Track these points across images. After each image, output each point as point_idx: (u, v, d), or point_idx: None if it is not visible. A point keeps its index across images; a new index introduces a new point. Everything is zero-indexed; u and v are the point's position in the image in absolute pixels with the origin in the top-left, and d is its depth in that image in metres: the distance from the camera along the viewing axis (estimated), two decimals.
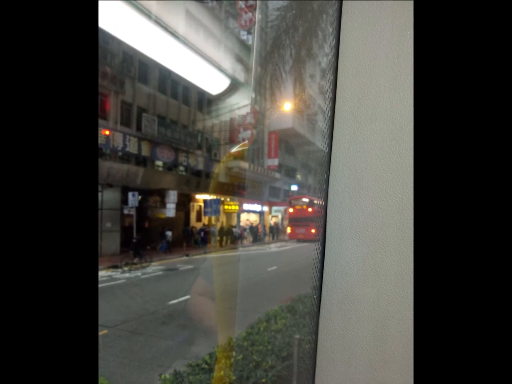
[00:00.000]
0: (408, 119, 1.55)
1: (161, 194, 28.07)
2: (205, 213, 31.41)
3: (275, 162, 36.19)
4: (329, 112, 1.75)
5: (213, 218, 32.43)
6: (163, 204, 28.24)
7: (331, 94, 1.75)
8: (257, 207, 40.07)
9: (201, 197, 32.41)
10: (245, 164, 30.23)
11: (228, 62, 24.64)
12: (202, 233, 30.16)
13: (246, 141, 26.66)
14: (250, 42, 26.03)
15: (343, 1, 1.69)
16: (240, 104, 27.49)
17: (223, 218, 35.13)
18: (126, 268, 20.26)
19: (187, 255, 25.39)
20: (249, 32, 25.07)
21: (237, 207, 36.46)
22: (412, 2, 1.47)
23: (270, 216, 42.89)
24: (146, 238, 23.94)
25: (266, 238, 38.19)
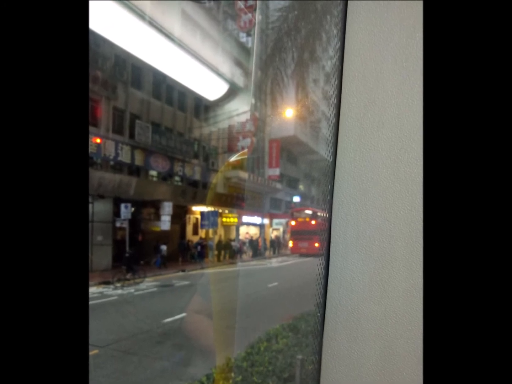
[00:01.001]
0: (417, 127, 1.55)
1: (156, 205, 28.07)
2: (202, 226, 31.41)
3: (276, 171, 36.23)
4: (334, 119, 1.75)
5: (210, 231, 32.42)
6: (158, 216, 28.23)
7: (335, 99, 1.75)
8: (257, 219, 40.03)
9: (198, 209, 32.42)
10: (244, 174, 30.24)
11: (226, 66, 24.68)
12: (199, 247, 30.13)
13: (246, 150, 26.66)
14: (249, 45, 26.09)
15: (348, 1, 1.69)
16: (239, 111, 27.50)
17: (221, 231, 35.12)
18: (118, 284, 20.31)
19: (183, 271, 25.40)
20: (248, 34, 25.12)
21: (236, 220, 36.46)
22: (421, 2, 1.47)
23: (271, 229, 42.84)
24: (139, 252, 23.94)
25: (267, 253, 38.17)
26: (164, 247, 26.85)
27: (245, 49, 26.60)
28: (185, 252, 29.69)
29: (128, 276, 21.80)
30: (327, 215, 1.76)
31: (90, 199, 22.75)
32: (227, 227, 36.46)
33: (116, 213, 24.93)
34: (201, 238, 32.19)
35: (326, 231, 1.77)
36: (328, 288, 1.75)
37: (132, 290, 19.02)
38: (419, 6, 1.53)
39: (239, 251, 34.09)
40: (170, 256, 27.29)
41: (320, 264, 1.79)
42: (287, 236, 40.51)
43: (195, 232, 33.13)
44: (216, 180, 29.78)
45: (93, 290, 18.29)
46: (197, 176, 32.17)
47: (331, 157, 1.75)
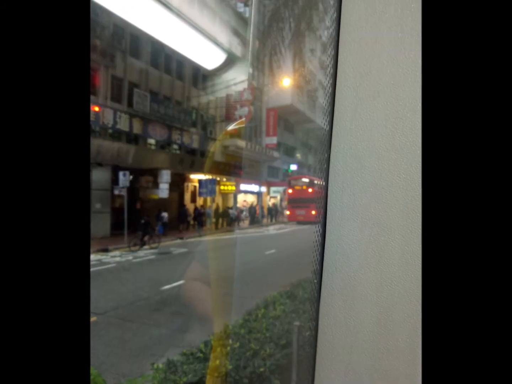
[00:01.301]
0: (413, 96, 1.55)
1: (154, 173, 28.05)
2: (200, 194, 31.43)
3: (273, 140, 36.26)
4: (330, 88, 1.75)
5: (208, 199, 32.44)
6: (156, 185, 28.21)
7: (332, 69, 1.74)
8: (254, 187, 40.06)
9: (196, 177, 32.41)
10: (242, 143, 30.24)
11: (224, 36, 24.59)
12: (196, 213, 30.33)
13: (243, 119, 26.63)
14: (247, 15, 25.98)
15: None
16: (237, 80, 27.48)
17: (219, 199, 35.15)
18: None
19: (181, 238, 25.49)
20: (246, 4, 25.04)
21: (233, 188, 36.48)
22: None
23: (268, 197, 42.91)
24: (138, 220, 23.97)
25: (264, 220, 38.26)
26: (165, 214, 26.89)
27: (242, 19, 26.48)
28: (187, 220, 29.81)
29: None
30: (324, 183, 1.77)
31: None
32: (225, 195, 36.52)
33: (115, 181, 24.90)
34: (195, 207, 32.18)
35: (322, 199, 1.77)
36: (325, 255, 1.76)
37: (130, 258, 19.05)
38: None
39: (237, 219, 34.16)
40: (169, 224, 27.33)
41: (317, 231, 1.80)
42: (285, 203, 40.57)
43: (193, 200, 33.17)
44: (214, 148, 29.78)
45: (91, 257, 18.28)
46: (195, 145, 32.15)
47: (328, 126, 1.75)
